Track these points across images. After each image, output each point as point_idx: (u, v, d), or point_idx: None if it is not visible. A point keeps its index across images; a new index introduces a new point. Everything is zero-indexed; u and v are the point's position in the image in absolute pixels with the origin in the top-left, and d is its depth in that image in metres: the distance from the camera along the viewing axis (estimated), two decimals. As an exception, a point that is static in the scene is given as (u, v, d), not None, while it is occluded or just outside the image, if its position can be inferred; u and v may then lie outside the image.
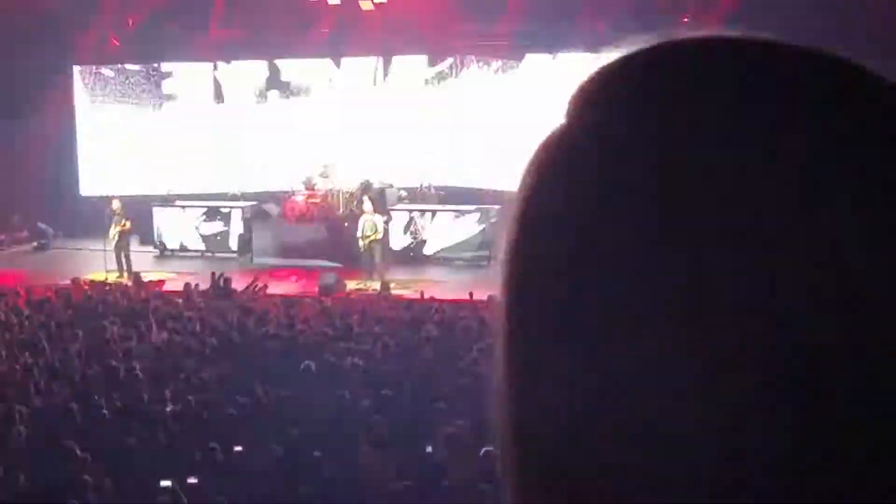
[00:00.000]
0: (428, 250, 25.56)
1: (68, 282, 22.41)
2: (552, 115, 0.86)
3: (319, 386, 13.22)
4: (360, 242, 23.89)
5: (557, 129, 0.83)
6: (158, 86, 29.68)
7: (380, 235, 24.00)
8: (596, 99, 0.81)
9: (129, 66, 29.59)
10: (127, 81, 29.59)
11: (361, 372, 14.06)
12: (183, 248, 27.15)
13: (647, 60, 0.80)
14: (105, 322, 17.47)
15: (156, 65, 29.51)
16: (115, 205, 25.15)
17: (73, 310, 19.02)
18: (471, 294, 19.79)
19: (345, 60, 29.04)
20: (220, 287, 20.52)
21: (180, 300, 19.87)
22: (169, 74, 29.64)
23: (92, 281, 22.87)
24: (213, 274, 21.13)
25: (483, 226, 25.12)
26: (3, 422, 12.09)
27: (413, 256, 25.49)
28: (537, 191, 0.83)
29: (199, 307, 18.84)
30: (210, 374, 14.17)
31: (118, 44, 29.29)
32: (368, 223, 23.92)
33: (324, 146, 27.78)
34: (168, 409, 12.65)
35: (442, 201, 27.11)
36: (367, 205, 24.35)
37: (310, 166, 26.87)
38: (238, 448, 11.50)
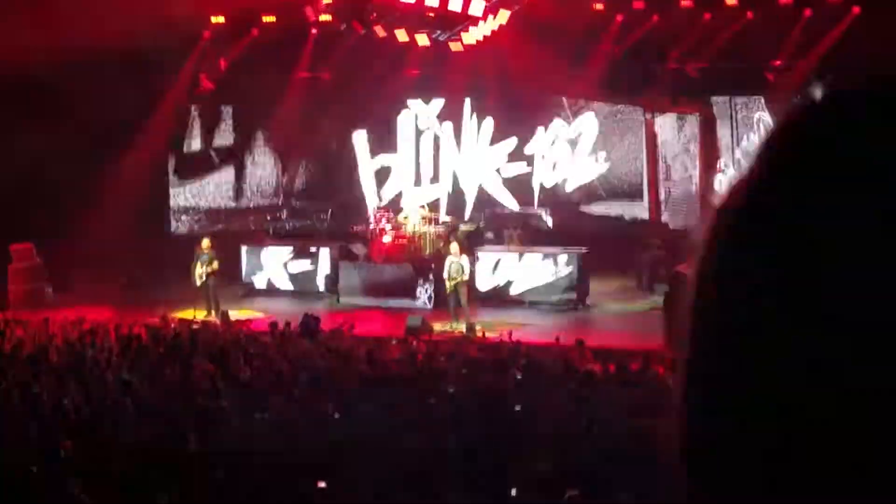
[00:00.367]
0: (514, 292, 25.46)
1: (157, 319, 22.64)
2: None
3: (405, 427, 13.19)
4: (447, 284, 23.86)
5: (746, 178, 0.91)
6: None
7: (466, 277, 23.94)
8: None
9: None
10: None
11: (447, 414, 14.00)
12: (270, 287, 27.31)
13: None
14: (194, 360, 17.62)
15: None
16: (205, 243, 25.35)
17: (162, 347, 19.20)
18: (557, 338, 19.75)
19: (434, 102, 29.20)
20: (308, 326, 20.60)
21: (267, 339, 19.99)
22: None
23: (181, 319, 23.06)
24: (306, 314, 21.21)
25: (570, 268, 25.02)
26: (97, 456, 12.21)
27: (499, 298, 25.40)
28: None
29: (285, 346, 18.94)
30: (294, 412, 14.19)
31: (211, 86, 29.73)
32: (455, 265, 23.87)
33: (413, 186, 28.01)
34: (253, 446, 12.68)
35: (526, 243, 27.08)
36: (454, 246, 24.34)
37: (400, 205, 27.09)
38: (322, 485, 11.49)
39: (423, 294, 25.27)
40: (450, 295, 23.85)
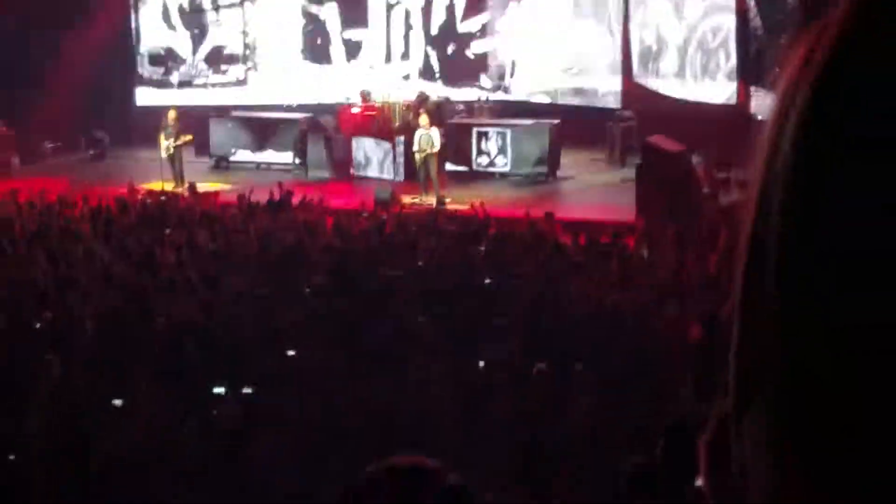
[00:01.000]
0: (484, 163, 25.32)
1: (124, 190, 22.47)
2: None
3: (375, 300, 13.14)
4: (416, 156, 23.69)
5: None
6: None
7: (436, 149, 23.76)
8: None
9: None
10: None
11: (417, 286, 13.95)
12: (238, 160, 27.11)
13: None
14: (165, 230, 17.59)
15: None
16: (171, 115, 25.06)
17: (130, 218, 19.10)
18: (527, 212, 19.69)
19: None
20: (277, 200, 20.45)
21: (235, 210, 19.88)
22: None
23: (149, 190, 22.90)
24: (279, 184, 21.05)
25: (542, 140, 24.89)
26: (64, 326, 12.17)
27: (470, 170, 25.29)
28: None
29: (253, 218, 18.84)
30: (265, 286, 14.11)
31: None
32: (424, 136, 23.68)
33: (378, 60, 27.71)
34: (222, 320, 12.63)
35: (498, 115, 26.93)
36: (424, 118, 24.12)
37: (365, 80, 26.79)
38: (291, 353, 11.46)
39: (393, 165, 25.12)
40: (419, 167, 23.71)
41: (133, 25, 29.48)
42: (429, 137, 23.66)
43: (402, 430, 9.38)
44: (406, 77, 28.65)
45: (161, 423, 9.76)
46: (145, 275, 14.66)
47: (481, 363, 11.19)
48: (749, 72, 24.15)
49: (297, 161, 26.25)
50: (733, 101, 24.76)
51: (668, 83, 26.22)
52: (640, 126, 25.15)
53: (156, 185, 23.93)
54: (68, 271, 14.90)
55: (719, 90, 25.13)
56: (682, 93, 25.80)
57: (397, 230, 18.24)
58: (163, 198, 21.87)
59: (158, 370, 10.87)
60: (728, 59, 24.94)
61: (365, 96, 26.46)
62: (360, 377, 10.62)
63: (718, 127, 23.76)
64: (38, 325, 12.49)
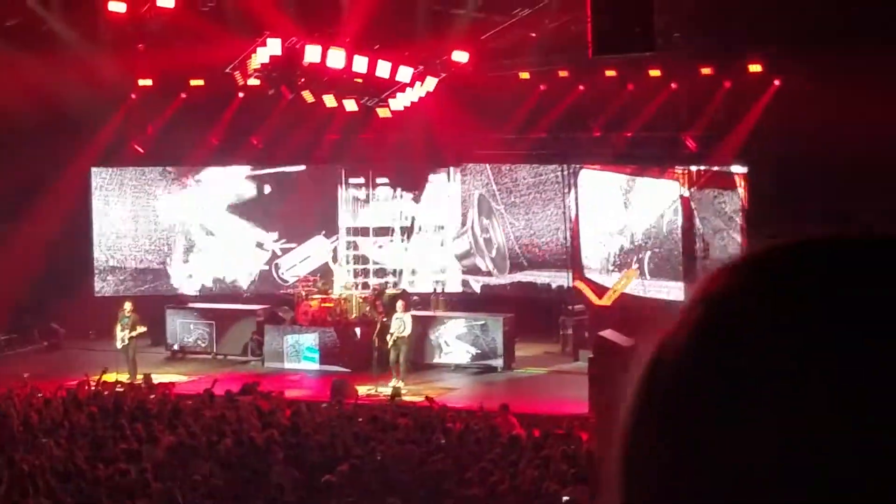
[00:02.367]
0: (439, 355, 25.55)
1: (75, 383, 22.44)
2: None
3: (330, 494, 13.20)
4: (389, 340, 23.83)
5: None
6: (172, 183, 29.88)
7: (406, 333, 24.00)
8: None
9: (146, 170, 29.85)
10: (143, 178, 29.82)
11: (375, 479, 14.02)
12: (193, 350, 27.16)
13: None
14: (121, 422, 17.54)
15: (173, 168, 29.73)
16: (127, 307, 25.21)
17: (83, 411, 19.04)
18: (481, 406, 19.92)
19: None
20: (240, 392, 20.55)
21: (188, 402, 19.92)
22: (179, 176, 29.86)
23: (103, 381, 22.83)
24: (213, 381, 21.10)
25: (495, 333, 25.21)
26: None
27: (425, 362, 25.50)
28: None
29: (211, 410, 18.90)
30: (223, 478, 14.14)
31: (141, 151, 29.78)
32: (397, 321, 23.98)
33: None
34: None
35: (451, 308, 27.31)
36: (399, 303, 24.42)
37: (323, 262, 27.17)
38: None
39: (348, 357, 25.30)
40: (390, 351, 23.89)
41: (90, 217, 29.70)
42: (401, 322, 23.97)
43: None
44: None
45: None
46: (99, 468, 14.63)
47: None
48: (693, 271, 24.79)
49: (254, 353, 26.35)
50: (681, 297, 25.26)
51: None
52: (591, 320, 25.60)
53: (110, 377, 23.86)
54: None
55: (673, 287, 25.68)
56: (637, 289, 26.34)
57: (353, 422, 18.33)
58: (118, 388, 21.85)
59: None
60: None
61: (321, 288, 26.71)
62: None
63: (668, 320, 24.16)
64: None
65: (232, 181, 29.77)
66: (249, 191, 29.78)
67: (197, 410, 18.99)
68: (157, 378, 23.45)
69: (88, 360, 26.32)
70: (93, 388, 21.48)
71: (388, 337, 23.92)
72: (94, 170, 29.57)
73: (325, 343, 25.59)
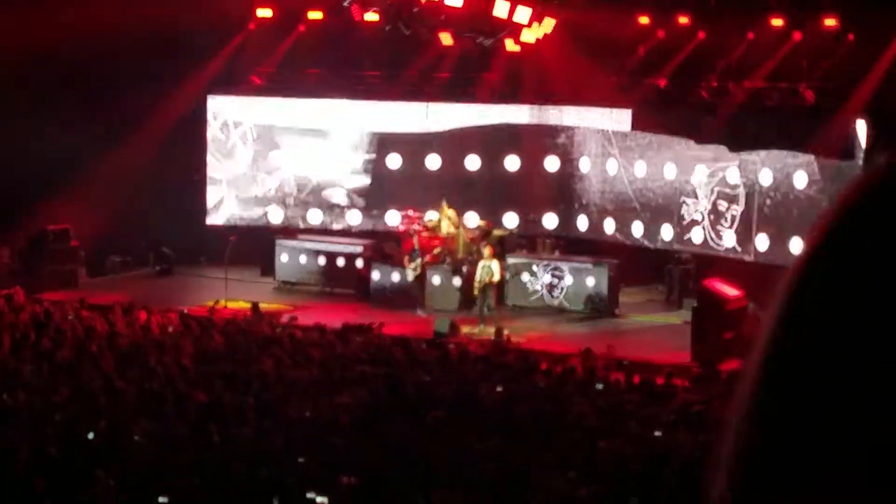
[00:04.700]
0: (544, 298, 25.54)
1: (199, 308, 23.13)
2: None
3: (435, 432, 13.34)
4: (476, 286, 23.98)
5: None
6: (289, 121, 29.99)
7: (496, 280, 24.07)
8: None
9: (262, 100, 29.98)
10: (261, 108, 29.93)
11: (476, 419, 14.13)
12: (302, 283, 27.45)
13: None
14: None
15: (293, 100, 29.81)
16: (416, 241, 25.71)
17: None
18: (580, 349, 19.94)
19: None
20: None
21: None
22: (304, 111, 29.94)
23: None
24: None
25: (601, 278, 25.12)
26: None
27: (528, 304, 25.52)
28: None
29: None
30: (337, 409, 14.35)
31: (259, 82, 29.99)
32: (486, 268, 24.00)
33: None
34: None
35: (559, 251, 27.19)
36: (487, 249, 24.48)
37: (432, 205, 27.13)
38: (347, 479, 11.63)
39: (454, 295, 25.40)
40: (479, 297, 23.98)
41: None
42: (489, 269, 23.97)
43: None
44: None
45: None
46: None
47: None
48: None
49: (360, 287, 26.57)
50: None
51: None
52: (698, 269, 25.40)
53: (219, 303, 24.31)
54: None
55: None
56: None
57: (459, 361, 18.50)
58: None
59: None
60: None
61: (431, 225, 26.68)
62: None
63: (775, 274, 23.91)
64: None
65: (350, 118, 29.74)
66: (366, 127, 29.74)
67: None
68: (265, 308, 23.84)
69: (200, 287, 26.91)
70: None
71: (476, 283, 23.98)
72: (210, 98, 29.79)
73: (429, 282, 25.68)
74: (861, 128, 23.48)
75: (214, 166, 29.80)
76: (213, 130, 29.82)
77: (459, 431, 13.21)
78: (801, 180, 24.24)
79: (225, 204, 29.87)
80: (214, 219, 29.73)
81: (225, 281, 25.30)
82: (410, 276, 25.15)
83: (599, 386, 16.47)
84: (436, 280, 25.59)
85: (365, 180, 29.53)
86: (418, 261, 25.05)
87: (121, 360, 16.91)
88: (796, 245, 24.66)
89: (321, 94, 29.50)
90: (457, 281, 25.42)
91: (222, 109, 29.75)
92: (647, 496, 11.17)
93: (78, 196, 26.47)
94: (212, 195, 29.83)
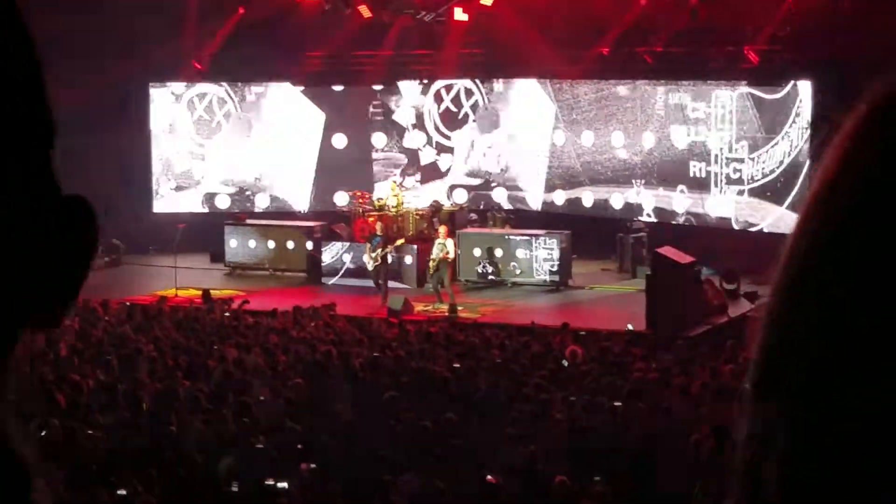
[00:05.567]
0: (497, 272, 25.48)
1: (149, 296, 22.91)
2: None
3: (393, 406, 13.27)
4: (430, 264, 23.91)
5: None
6: (234, 105, 29.78)
7: (450, 258, 24.01)
8: None
9: (206, 86, 29.76)
10: (204, 100, 29.73)
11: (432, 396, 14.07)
12: (252, 267, 27.29)
13: None
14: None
15: (235, 85, 29.61)
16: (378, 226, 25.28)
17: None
18: (532, 322, 20.01)
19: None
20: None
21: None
22: (244, 96, 29.76)
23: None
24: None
25: (553, 250, 25.09)
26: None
27: (482, 279, 25.48)
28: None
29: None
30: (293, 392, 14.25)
31: (200, 68, 29.71)
32: (439, 245, 23.92)
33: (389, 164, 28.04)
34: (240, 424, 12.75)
35: (509, 224, 27.19)
36: (442, 228, 24.42)
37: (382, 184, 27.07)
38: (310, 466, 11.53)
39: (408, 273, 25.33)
40: (432, 275, 23.92)
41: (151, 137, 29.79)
42: (443, 246, 23.90)
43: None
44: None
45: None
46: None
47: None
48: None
49: (311, 269, 26.44)
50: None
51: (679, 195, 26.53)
52: (650, 237, 25.46)
53: (169, 292, 24.12)
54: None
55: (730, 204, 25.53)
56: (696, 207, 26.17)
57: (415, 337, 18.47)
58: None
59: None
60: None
61: (378, 204, 26.61)
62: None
63: (727, 240, 24.09)
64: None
65: (291, 100, 29.63)
66: (308, 108, 29.64)
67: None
68: (217, 294, 23.66)
69: (150, 276, 26.68)
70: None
71: (430, 262, 23.89)
72: (152, 87, 29.57)
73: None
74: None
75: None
76: (156, 120, 29.67)
77: (415, 409, 13.12)
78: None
79: (171, 191, 29.74)
80: (163, 206, 29.58)
81: (174, 269, 25.06)
82: (370, 265, 24.85)
83: (565, 363, 16.42)
84: (407, 260, 25.41)
85: (312, 162, 29.45)
86: (378, 251, 24.61)
87: (73, 353, 16.70)
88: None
89: (263, 78, 29.32)
90: (408, 259, 25.33)
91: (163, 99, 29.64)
92: (609, 466, 11.14)
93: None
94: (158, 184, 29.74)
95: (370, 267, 24.65)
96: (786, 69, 24.63)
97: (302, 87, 29.38)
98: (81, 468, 11.20)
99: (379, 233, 24.80)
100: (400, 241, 24.88)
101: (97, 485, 10.76)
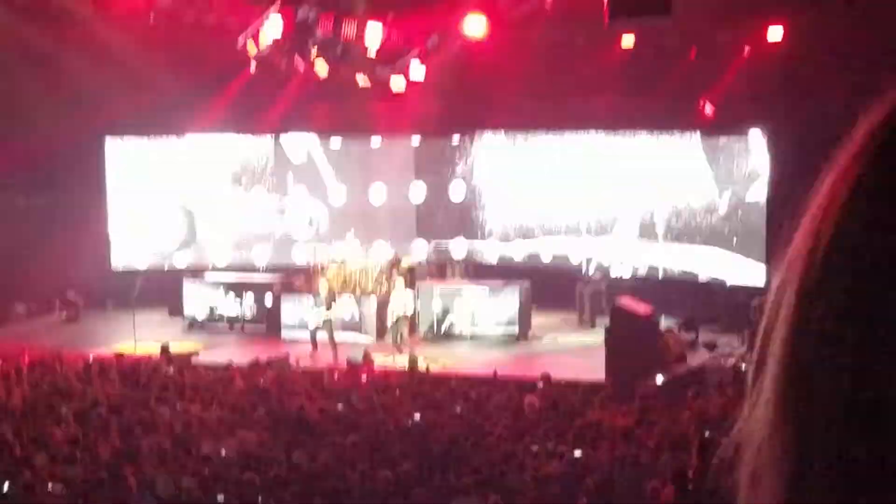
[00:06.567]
0: (456, 325, 25.50)
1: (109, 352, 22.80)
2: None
3: (354, 457, 13.25)
4: (389, 317, 23.94)
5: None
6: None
7: (409, 312, 24.07)
8: None
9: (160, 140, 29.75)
10: (157, 155, 29.72)
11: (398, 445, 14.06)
12: (211, 320, 27.18)
13: None
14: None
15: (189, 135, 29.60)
16: (323, 283, 25.18)
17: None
18: (495, 372, 20.08)
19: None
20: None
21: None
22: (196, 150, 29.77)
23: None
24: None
25: (512, 302, 25.17)
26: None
27: (441, 331, 25.49)
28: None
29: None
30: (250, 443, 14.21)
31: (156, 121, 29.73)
32: (398, 299, 23.98)
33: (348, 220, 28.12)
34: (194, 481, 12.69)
35: (466, 276, 27.27)
36: (400, 280, 24.48)
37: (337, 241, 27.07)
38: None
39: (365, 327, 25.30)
40: (391, 328, 23.94)
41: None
42: (402, 301, 23.96)
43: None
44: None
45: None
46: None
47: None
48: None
49: (271, 323, 26.38)
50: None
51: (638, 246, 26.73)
52: (608, 288, 25.59)
53: (128, 348, 23.99)
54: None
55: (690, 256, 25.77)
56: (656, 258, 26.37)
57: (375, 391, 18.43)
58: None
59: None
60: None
61: (338, 260, 26.64)
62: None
63: (684, 290, 24.29)
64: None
65: (245, 148, 29.69)
66: (265, 158, 29.71)
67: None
68: (176, 348, 23.54)
69: (109, 330, 26.51)
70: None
71: (390, 314, 23.94)
72: (108, 140, 29.55)
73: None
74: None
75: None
76: (111, 173, 29.69)
77: (374, 460, 13.12)
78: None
79: (131, 245, 29.71)
80: (119, 262, 29.54)
81: (133, 324, 24.92)
82: (311, 323, 24.82)
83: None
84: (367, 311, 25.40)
85: (271, 216, 29.51)
86: (322, 308, 24.63)
87: (32, 411, 16.61)
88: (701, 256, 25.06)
89: (213, 128, 29.31)
90: (369, 310, 25.33)
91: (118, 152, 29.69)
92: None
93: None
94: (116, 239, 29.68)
95: (310, 325, 24.65)
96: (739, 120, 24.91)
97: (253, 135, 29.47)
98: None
99: (322, 291, 24.82)
100: (345, 296, 24.99)
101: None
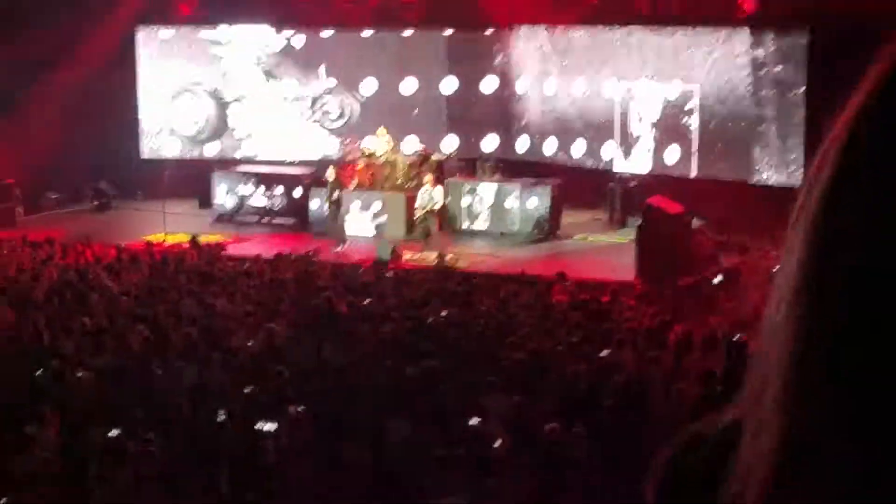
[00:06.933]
0: (486, 222, 25.41)
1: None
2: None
3: (374, 355, 13.25)
4: (417, 213, 23.86)
5: None
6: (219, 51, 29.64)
7: (437, 207, 23.95)
8: None
9: (193, 30, 29.54)
10: (190, 46, 29.54)
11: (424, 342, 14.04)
12: (241, 212, 27.16)
13: None
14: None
15: (222, 27, 29.38)
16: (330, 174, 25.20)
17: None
18: (523, 270, 20.02)
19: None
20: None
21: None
22: (230, 41, 29.55)
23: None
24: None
25: (543, 200, 25.03)
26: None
27: (471, 228, 25.41)
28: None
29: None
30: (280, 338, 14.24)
31: (189, 11, 29.49)
32: (426, 194, 23.86)
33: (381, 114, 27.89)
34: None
35: (499, 174, 27.05)
36: (428, 176, 24.34)
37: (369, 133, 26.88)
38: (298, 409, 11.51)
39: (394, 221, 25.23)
40: (419, 224, 23.86)
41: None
42: (430, 196, 23.84)
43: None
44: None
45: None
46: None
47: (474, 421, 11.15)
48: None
49: (300, 216, 26.36)
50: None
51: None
52: (641, 187, 25.35)
53: (158, 237, 24.10)
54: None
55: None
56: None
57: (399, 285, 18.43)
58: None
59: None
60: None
61: (367, 153, 26.45)
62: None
63: (718, 190, 24.04)
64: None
65: (277, 40, 29.47)
66: (298, 49, 29.49)
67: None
68: (205, 240, 23.62)
69: (139, 221, 26.59)
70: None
71: (418, 210, 23.85)
72: (139, 30, 29.39)
73: (371, 207, 25.51)
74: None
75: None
76: (143, 64, 29.58)
77: (400, 356, 13.10)
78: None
79: (161, 135, 29.68)
80: (152, 151, 29.54)
81: (163, 214, 24.95)
82: (325, 207, 24.93)
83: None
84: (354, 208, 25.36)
85: (303, 108, 29.37)
86: (337, 192, 24.66)
87: (63, 297, 16.68)
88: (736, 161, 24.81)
89: (251, 20, 29.10)
90: (397, 205, 25.24)
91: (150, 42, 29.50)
92: (592, 414, 11.14)
93: (9, 135, 26.06)
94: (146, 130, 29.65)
95: (338, 220, 24.71)
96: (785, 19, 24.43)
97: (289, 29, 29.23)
98: (71, 410, 11.21)
99: (330, 179, 24.79)
100: (353, 184, 25.01)
101: (87, 426, 10.78)
